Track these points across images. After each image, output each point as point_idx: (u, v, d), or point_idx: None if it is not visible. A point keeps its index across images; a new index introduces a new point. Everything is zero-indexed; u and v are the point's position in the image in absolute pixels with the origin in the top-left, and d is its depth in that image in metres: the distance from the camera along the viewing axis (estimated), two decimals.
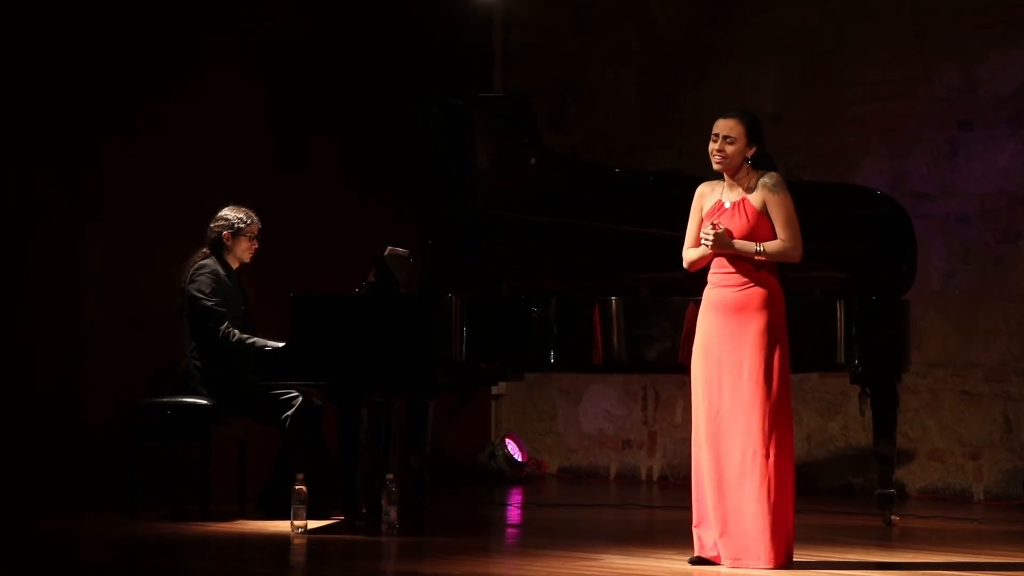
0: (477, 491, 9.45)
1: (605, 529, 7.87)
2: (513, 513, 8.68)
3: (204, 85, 9.07)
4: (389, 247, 7.56)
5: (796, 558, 6.15)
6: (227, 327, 7.66)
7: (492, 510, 8.75)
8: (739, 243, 6.15)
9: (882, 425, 7.58)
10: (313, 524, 7.19)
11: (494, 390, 10.36)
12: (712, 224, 6.17)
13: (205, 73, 9.07)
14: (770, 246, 6.14)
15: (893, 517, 7.61)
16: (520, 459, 10.19)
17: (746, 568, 6.00)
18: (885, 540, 7.24)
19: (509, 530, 8.09)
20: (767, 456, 6.02)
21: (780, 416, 6.08)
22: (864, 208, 7.75)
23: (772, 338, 6.12)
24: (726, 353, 6.13)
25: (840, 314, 7.34)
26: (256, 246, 7.97)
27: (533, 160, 7.64)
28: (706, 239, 6.17)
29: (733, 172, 6.23)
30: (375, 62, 9.86)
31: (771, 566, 5.98)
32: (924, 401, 9.25)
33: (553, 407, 10.47)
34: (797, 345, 7.38)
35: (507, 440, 10.25)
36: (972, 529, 7.79)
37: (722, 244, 6.15)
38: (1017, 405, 9.02)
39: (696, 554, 6.18)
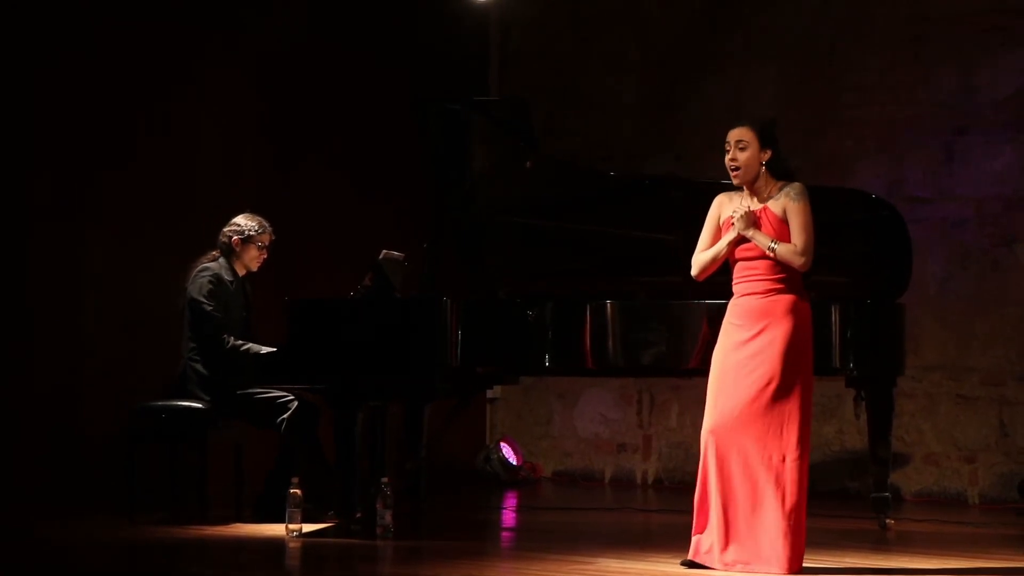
0: (473, 495, 9.46)
1: (600, 533, 7.88)
2: (508, 517, 8.69)
3: (204, 86, 9.08)
4: (385, 251, 7.57)
5: None
6: (223, 335, 7.68)
7: (488, 514, 8.75)
8: (757, 232, 6.15)
9: (878, 429, 7.60)
10: (309, 527, 7.20)
11: (490, 394, 10.37)
12: (748, 209, 6.18)
13: (205, 73, 9.08)
14: (781, 246, 6.14)
15: (888, 521, 7.63)
16: (515, 463, 10.20)
17: (755, 573, 6.00)
18: (881, 544, 7.25)
19: (504, 534, 8.10)
20: (788, 463, 6.01)
21: (802, 423, 6.07)
22: (860, 212, 7.76)
23: (796, 345, 6.09)
24: (749, 359, 6.10)
25: (836, 318, 7.35)
26: (265, 256, 7.99)
27: (529, 163, 7.65)
28: (735, 213, 6.18)
29: (751, 181, 6.22)
30: (375, 62, 9.87)
31: (785, 571, 5.98)
32: (920, 405, 9.26)
33: (549, 411, 10.48)
34: None
35: (503, 444, 10.26)
36: (967, 533, 7.80)
37: (747, 223, 6.15)
38: (1012, 409, 9.03)
39: (689, 557, 6.18)
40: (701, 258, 6.30)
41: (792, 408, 6.06)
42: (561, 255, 7.82)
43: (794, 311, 6.13)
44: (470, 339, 7.28)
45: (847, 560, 6.57)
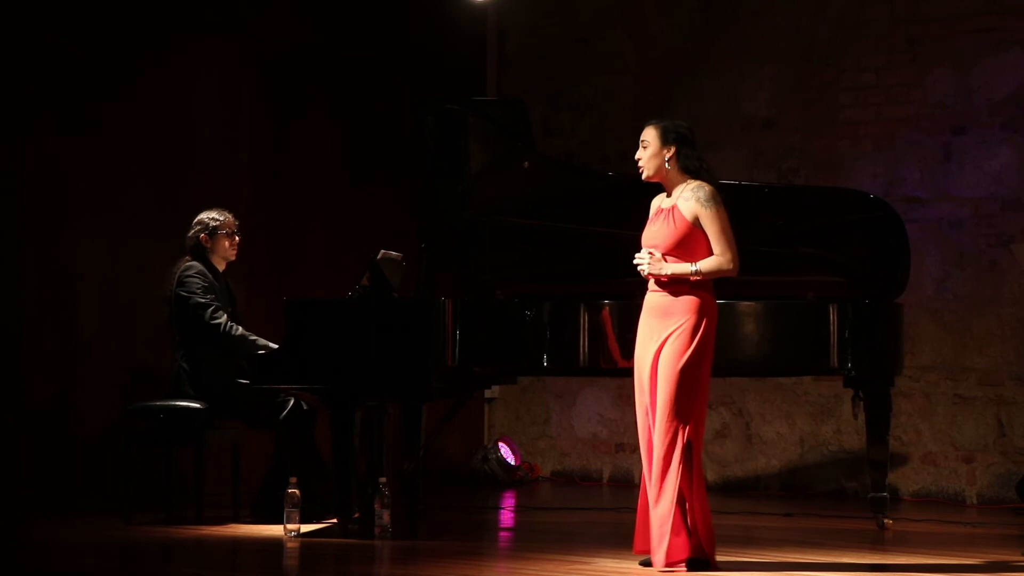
0: (471, 495, 9.45)
1: (598, 533, 7.88)
2: (506, 517, 8.68)
3: (202, 84, 9.07)
4: (382, 251, 7.56)
5: (791, 560, 6.15)
6: (226, 320, 7.64)
7: (485, 514, 8.75)
8: (674, 266, 6.15)
9: (875, 429, 7.61)
10: (306, 528, 7.20)
11: (487, 394, 10.37)
12: (648, 252, 6.19)
13: (203, 72, 9.07)
14: (705, 264, 6.12)
15: (886, 521, 7.63)
16: (513, 463, 10.19)
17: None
18: (878, 544, 7.26)
19: (502, 534, 8.09)
20: (672, 460, 6.04)
21: (686, 419, 6.07)
22: (858, 212, 7.75)
23: (688, 341, 6.09)
24: (652, 356, 6.17)
25: (833, 318, 7.35)
26: (238, 241, 7.95)
27: (526, 163, 7.64)
28: (639, 263, 6.20)
29: (659, 177, 6.27)
30: (374, 62, 9.86)
31: (662, 567, 6.00)
32: (917, 405, 9.26)
33: (546, 411, 10.47)
34: (791, 349, 7.41)
35: (500, 444, 10.25)
36: (965, 533, 7.80)
37: (656, 269, 6.17)
38: (1010, 409, 9.03)
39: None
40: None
41: (684, 406, 6.05)
42: (559, 255, 7.81)
43: (697, 310, 6.12)
44: (468, 339, 7.27)
45: (845, 560, 6.57)
